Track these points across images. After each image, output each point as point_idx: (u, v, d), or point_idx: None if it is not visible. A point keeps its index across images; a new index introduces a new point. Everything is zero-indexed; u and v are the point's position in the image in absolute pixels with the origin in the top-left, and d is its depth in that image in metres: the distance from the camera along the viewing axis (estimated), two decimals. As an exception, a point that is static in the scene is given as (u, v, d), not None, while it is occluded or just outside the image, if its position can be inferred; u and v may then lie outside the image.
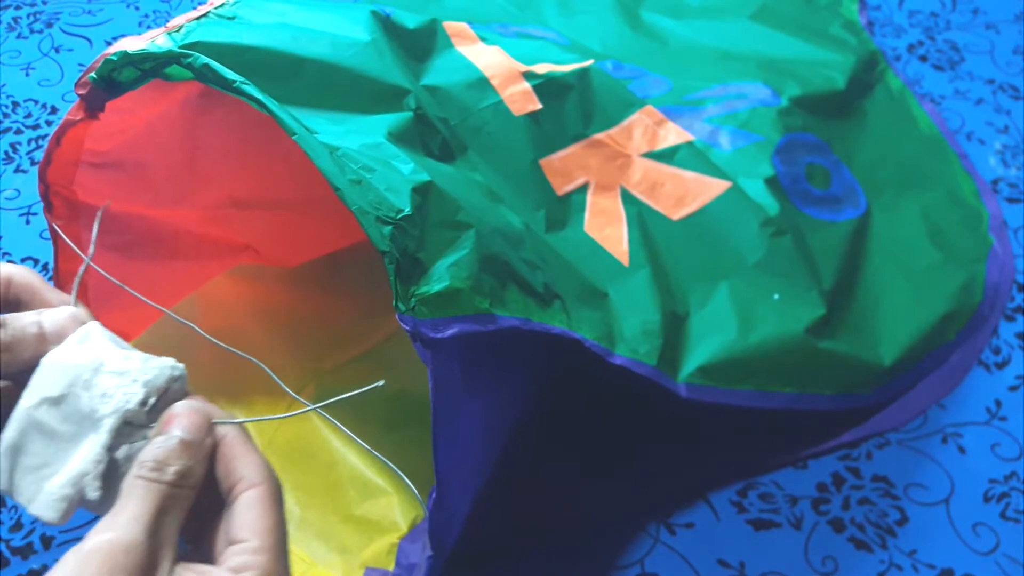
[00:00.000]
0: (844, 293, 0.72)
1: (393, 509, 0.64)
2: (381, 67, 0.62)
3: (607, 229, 0.68)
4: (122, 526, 0.39)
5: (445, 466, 0.51)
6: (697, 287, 0.67)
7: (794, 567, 0.67)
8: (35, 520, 0.66)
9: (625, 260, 0.66)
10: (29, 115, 0.95)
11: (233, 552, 0.41)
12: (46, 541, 0.66)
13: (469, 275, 0.52)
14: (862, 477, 0.72)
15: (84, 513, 0.64)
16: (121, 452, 0.44)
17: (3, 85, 0.99)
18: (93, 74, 0.56)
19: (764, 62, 0.85)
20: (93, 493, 0.43)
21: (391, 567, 0.60)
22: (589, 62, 0.75)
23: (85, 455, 0.43)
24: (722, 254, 0.69)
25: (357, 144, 0.54)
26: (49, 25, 1.07)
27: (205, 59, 0.52)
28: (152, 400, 0.44)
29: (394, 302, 0.49)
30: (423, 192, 0.52)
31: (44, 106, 0.96)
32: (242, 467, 0.43)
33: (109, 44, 1.03)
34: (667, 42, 0.89)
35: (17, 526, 0.66)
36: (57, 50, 1.05)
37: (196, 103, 0.59)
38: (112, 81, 0.56)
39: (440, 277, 0.51)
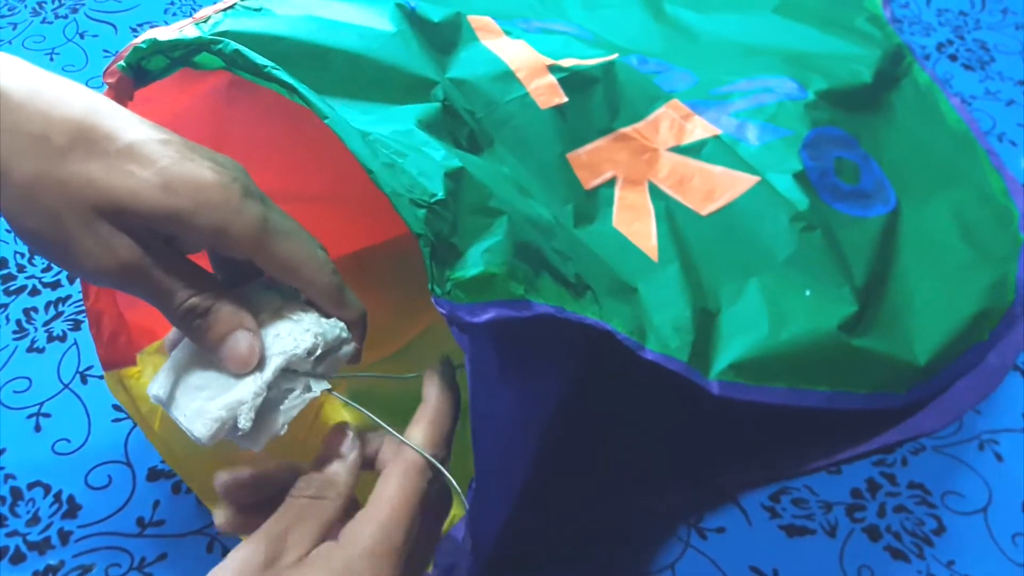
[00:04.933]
0: (876, 290, 0.70)
1: None
2: (408, 58, 0.62)
3: (635, 224, 0.67)
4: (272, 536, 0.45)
5: (484, 455, 0.50)
6: (727, 283, 0.66)
7: (828, 575, 0.65)
8: (53, 514, 0.64)
9: (654, 255, 0.65)
10: None
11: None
12: (64, 536, 0.65)
13: (504, 261, 0.50)
14: (898, 484, 0.70)
15: (105, 507, 0.63)
16: (277, 392, 0.47)
17: None
18: (122, 62, 0.55)
19: (788, 56, 0.83)
20: (245, 423, 0.45)
21: (429, 568, 0.57)
22: (614, 56, 0.74)
23: (246, 386, 0.46)
24: (752, 250, 0.68)
25: (388, 131, 0.53)
26: (74, 11, 1.07)
27: (236, 45, 0.51)
28: (319, 351, 0.47)
29: (430, 285, 0.48)
30: (455, 177, 0.51)
31: (67, 92, 0.93)
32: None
33: (134, 30, 1.03)
34: (691, 36, 0.88)
35: (34, 520, 0.66)
36: (82, 36, 1.03)
37: (222, 96, 0.59)
38: (141, 70, 0.55)
39: (475, 262, 0.49)
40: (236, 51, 0.51)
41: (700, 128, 0.72)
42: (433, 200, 0.48)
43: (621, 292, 0.61)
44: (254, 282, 0.49)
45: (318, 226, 0.52)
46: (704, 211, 0.68)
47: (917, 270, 0.73)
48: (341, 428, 0.49)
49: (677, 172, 0.69)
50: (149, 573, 0.63)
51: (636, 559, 0.66)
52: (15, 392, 0.72)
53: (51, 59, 0.99)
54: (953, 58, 1.08)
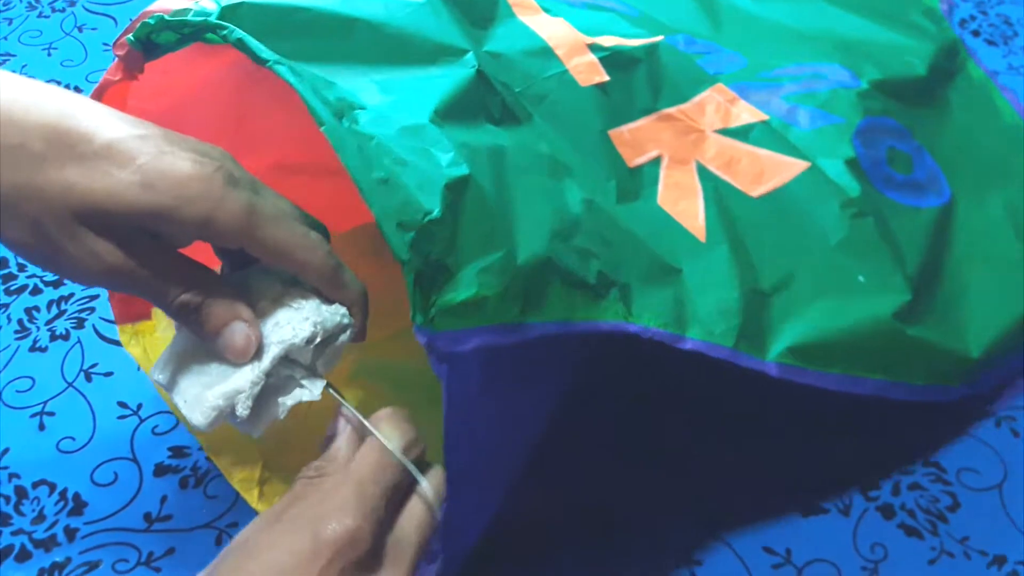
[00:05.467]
0: (929, 280, 0.69)
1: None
2: (438, 27, 0.60)
3: (682, 203, 0.65)
4: None
5: (458, 481, 0.49)
6: (780, 265, 0.64)
7: (842, 555, 0.65)
8: (58, 512, 0.63)
9: (701, 235, 0.63)
10: None
11: None
12: (70, 533, 0.64)
13: (500, 281, 0.49)
14: (913, 462, 0.68)
15: (111, 504, 0.64)
16: (276, 380, 0.47)
17: (24, 66, 0.97)
18: (131, 36, 0.55)
19: (841, 44, 0.82)
20: (243, 411, 0.46)
21: None
22: (658, 38, 0.72)
23: (245, 374, 0.46)
24: (804, 233, 0.66)
25: (397, 127, 0.51)
26: (72, 3, 1.06)
27: (240, 34, 0.51)
28: (317, 340, 0.47)
29: (412, 313, 0.46)
30: (458, 188, 0.49)
31: (68, 87, 0.93)
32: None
33: (134, 22, 1.01)
34: (742, 19, 0.86)
35: (39, 518, 0.64)
36: (80, 29, 1.03)
37: (246, 67, 0.57)
38: (150, 43, 0.55)
39: (468, 284, 0.48)
40: (240, 40, 0.51)
41: (747, 113, 0.71)
42: (426, 219, 0.47)
43: (662, 275, 0.59)
44: (254, 267, 0.49)
45: (339, 198, 0.51)
46: (754, 193, 0.67)
47: (971, 264, 0.73)
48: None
49: (725, 154, 0.68)
50: (157, 568, 0.62)
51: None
52: (18, 392, 0.71)
53: (49, 54, 0.98)
54: (976, 33, 1.08)
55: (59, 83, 0.94)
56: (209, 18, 0.52)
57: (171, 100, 0.60)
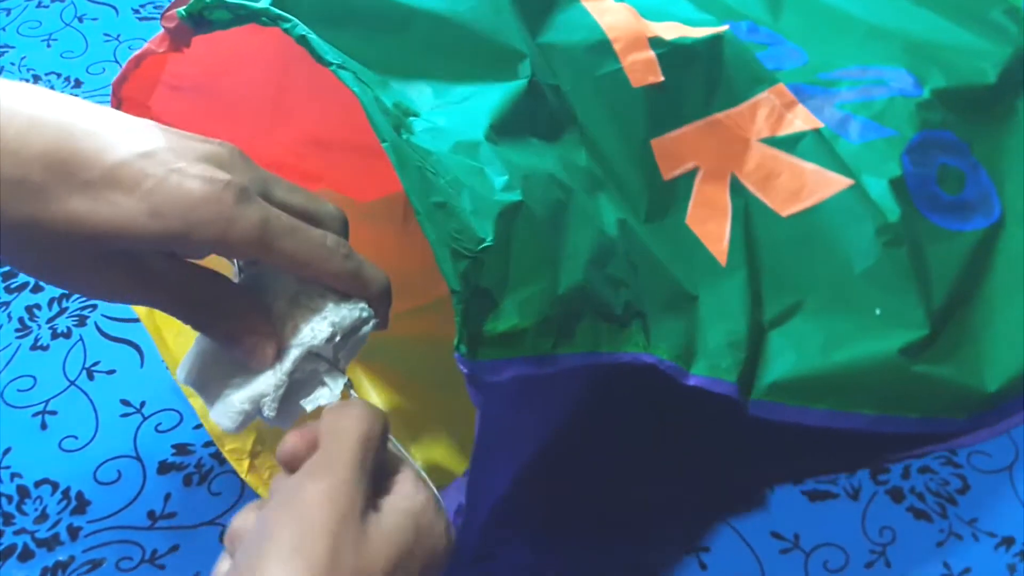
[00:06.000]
0: (955, 311, 0.67)
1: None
2: (497, 24, 0.59)
3: (710, 223, 0.65)
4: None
5: (477, 496, 0.50)
6: (786, 296, 0.64)
7: (850, 538, 0.65)
8: (61, 511, 0.64)
9: (723, 259, 0.63)
10: (52, 89, 0.91)
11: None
12: (73, 532, 0.64)
13: (539, 311, 0.49)
14: (924, 445, 0.68)
15: (114, 502, 0.65)
16: (301, 375, 0.47)
17: (24, 58, 0.96)
18: (182, 10, 0.54)
19: (911, 44, 0.79)
20: (269, 412, 0.47)
21: None
22: (724, 28, 0.70)
23: (268, 379, 0.47)
24: (826, 260, 0.65)
25: (452, 143, 0.51)
26: (72, -8, 1.04)
27: (303, 30, 0.50)
28: (337, 339, 0.47)
29: (456, 342, 0.46)
30: (510, 216, 0.49)
31: (68, 79, 0.94)
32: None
33: (137, 12, 1.01)
34: (811, 8, 0.84)
35: (42, 517, 0.65)
36: (80, 20, 1.02)
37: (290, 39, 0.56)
38: (202, 19, 0.54)
39: (508, 315, 0.48)
40: (303, 37, 0.50)
41: (801, 119, 0.70)
42: (480, 248, 0.47)
43: (679, 302, 0.59)
44: (268, 266, 0.49)
45: (372, 174, 0.51)
46: (785, 212, 0.66)
47: (1009, 291, 0.71)
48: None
49: (766, 166, 0.67)
50: (161, 565, 0.62)
51: (660, 529, 0.65)
52: (19, 391, 0.71)
53: (48, 45, 0.98)
54: None
55: (59, 75, 0.94)
56: (272, 10, 0.51)
57: (210, 65, 0.60)
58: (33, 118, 0.42)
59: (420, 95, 0.54)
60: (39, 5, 1.03)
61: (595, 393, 0.57)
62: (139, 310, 0.69)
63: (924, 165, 0.70)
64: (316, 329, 0.47)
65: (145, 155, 0.43)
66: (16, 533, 0.64)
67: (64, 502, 0.65)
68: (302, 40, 0.50)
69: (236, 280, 0.49)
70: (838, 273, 0.65)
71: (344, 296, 0.48)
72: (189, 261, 0.46)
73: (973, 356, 0.67)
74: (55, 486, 0.66)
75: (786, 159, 0.68)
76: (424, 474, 0.47)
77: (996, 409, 0.66)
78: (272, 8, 0.51)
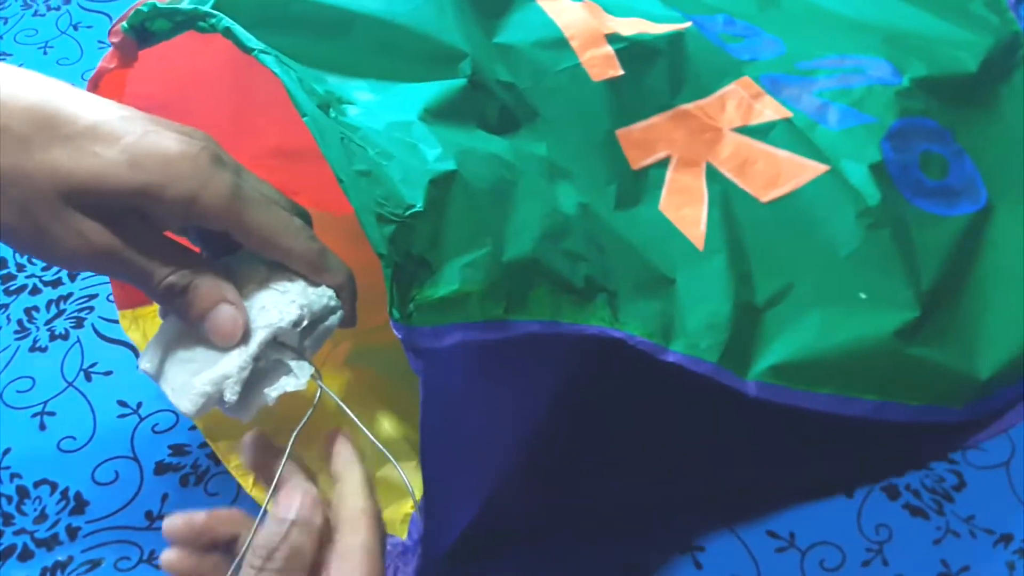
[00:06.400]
0: (945, 295, 0.67)
1: (413, 476, 0.61)
2: (439, 25, 0.60)
3: (685, 209, 0.64)
4: None
5: (435, 478, 0.49)
6: (778, 277, 0.64)
7: (846, 536, 0.65)
8: (60, 511, 0.64)
9: (700, 244, 0.63)
10: None
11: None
12: (71, 532, 0.65)
13: (485, 278, 0.49)
14: (919, 442, 0.68)
15: (113, 502, 0.65)
16: (265, 364, 0.46)
17: (20, 65, 0.95)
18: (124, 23, 0.55)
19: (890, 35, 0.80)
20: (231, 396, 0.46)
21: (404, 535, 0.56)
22: (686, 24, 0.71)
23: (232, 360, 0.46)
24: (811, 243, 0.65)
25: (386, 122, 0.52)
26: (67, 1, 1.06)
27: (227, 22, 0.51)
28: (305, 323, 0.47)
29: (388, 308, 0.46)
30: (443, 184, 0.49)
31: (63, 85, 0.93)
32: (345, 511, 0.46)
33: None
34: (790, 1, 0.84)
35: (41, 517, 0.65)
36: (76, 27, 1.03)
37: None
38: (144, 31, 0.56)
39: (450, 280, 0.48)
40: (228, 29, 0.51)
41: (770, 109, 0.70)
42: (408, 212, 0.47)
43: (654, 285, 0.59)
44: (239, 252, 0.49)
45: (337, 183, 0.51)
46: (765, 197, 0.66)
47: (998, 278, 0.70)
48: (303, 489, 0.46)
49: (740, 154, 0.67)
50: (159, 565, 0.62)
51: (653, 529, 0.65)
52: (18, 392, 0.72)
53: (44, 53, 0.99)
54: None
55: (55, 81, 0.95)
56: (201, 6, 0.52)
57: (170, 85, 0.60)
58: (20, 84, 0.44)
59: (357, 90, 0.54)
60: (35, 13, 1.04)
61: (581, 389, 0.57)
62: (124, 320, 0.69)
63: (905, 151, 0.70)
64: (284, 311, 0.47)
65: (124, 118, 0.45)
66: (16, 533, 0.64)
67: (63, 502, 0.65)
68: (227, 32, 0.51)
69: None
70: (824, 257, 0.65)
71: (313, 284, 0.48)
72: (161, 230, 0.47)
73: (965, 343, 0.67)
74: (54, 486, 0.66)
75: (760, 147, 0.68)
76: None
77: (990, 398, 0.66)
78: (199, 8, 0.52)
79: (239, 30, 0.51)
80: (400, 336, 0.46)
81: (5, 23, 1.02)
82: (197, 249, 0.50)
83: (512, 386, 0.53)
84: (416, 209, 0.47)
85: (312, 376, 0.48)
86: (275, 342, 0.47)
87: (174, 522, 0.47)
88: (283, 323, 0.46)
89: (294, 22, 0.55)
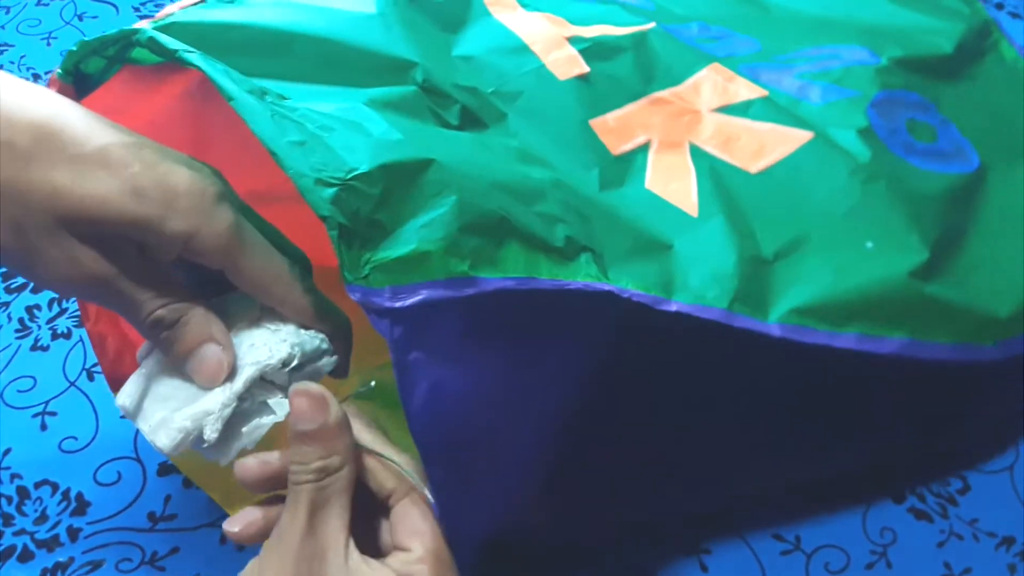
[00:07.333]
0: (951, 241, 0.66)
1: None
2: (386, 40, 0.60)
3: (673, 184, 0.63)
4: (285, 529, 0.44)
5: (429, 447, 0.47)
6: (785, 231, 0.62)
7: (851, 540, 0.66)
8: (61, 512, 0.64)
9: (694, 211, 0.62)
10: None
11: (399, 559, 0.46)
12: (72, 533, 0.65)
13: (444, 236, 0.47)
14: (925, 445, 0.69)
15: (114, 504, 0.65)
16: (250, 404, 0.46)
17: (23, 56, 0.96)
18: (59, 69, 0.54)
19: (864, 29, 0.80)
20: (211, 433, 0.44)
21: None
22: (649, 25, 0.71)
23: (216, 396, 0.45)
24: (808, 204, 0.64)
25: (330, 107, 0.51)
26: (72, -10, 1.04)
27: (150, 33, 0.50)
28: (295, 363, 0.46)
29: (341, 271, 0.44)
30: (391, 149, 0.48)
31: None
32: (391, 479, 0.48)
33: (137, 10, 1.01)
34: (762, 7, 0.84)
35: (42, 518, 0.65)
36: (80, 17, 1.03)
37: (197, 94, 0.57)
38: (80, 74, 0.54)
39: (407, 240, 0.46)
40: (151, 39, 0.50)
41: (745, 89, 0.70)
42: (351, 176, 0.46)
43: (649, 250, 0.58)
44: (233, 293, 0.48)
45: (321, 226, 0.50)
46: (753, 168, 0.65)
47: (1002, 230, 0.70)
48: (315, 395, 0.45)
49: (723, 132, 0.67)
50: (162, 567, 0.63)
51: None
52: (19, 391, 0.72)
53: (48, 44, 0.98)
54: (999, 7, 1.07)
55: (59, 74, 0.94)
56: (125, 28, 0.52)
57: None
58: (30, 99, 0.44)
59: (297, 92, 0.53)
60: (39, 3, 1.03)
61: (573, 369, 0.56)
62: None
63: (891, 119, 0.70)
64: (274, 349, 0.46)
65: (135, 145, 0.44)
66: (16, 534, 0.64)
67: (64, 503, 0.66)
68: (150, 42, 0.50)
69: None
70: (823, 217, 0.64)
71: (306, 327, 0.48)
72: (156, 262, 0.46)
73: (979, 285, 0.65)
74: (55, 487, 0.66)
75: (741, 122, 0.67)
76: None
77: (1018, 336, 0.65)
78: (125, 29, 0.51)
79: (160, 36, 0.50)
80: (356, 297, 0.44)
81: (7, 12, 1.02)
82: None
83: (516, 368, 0.51)
84: (360, 171, 0.46)
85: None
86: (262, 381, 0.46)
87: (249, 466, 0.47)
88: (272, 361, 0.46)
89: (233, 47, 0.53)
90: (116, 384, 0.64)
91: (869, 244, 0.63)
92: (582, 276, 0.52)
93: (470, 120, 0.60)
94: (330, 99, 0.54)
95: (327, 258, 0.46)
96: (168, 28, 0.53)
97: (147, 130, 0.53)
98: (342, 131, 0.49)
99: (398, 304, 0.45)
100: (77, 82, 0.54)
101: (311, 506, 0.44)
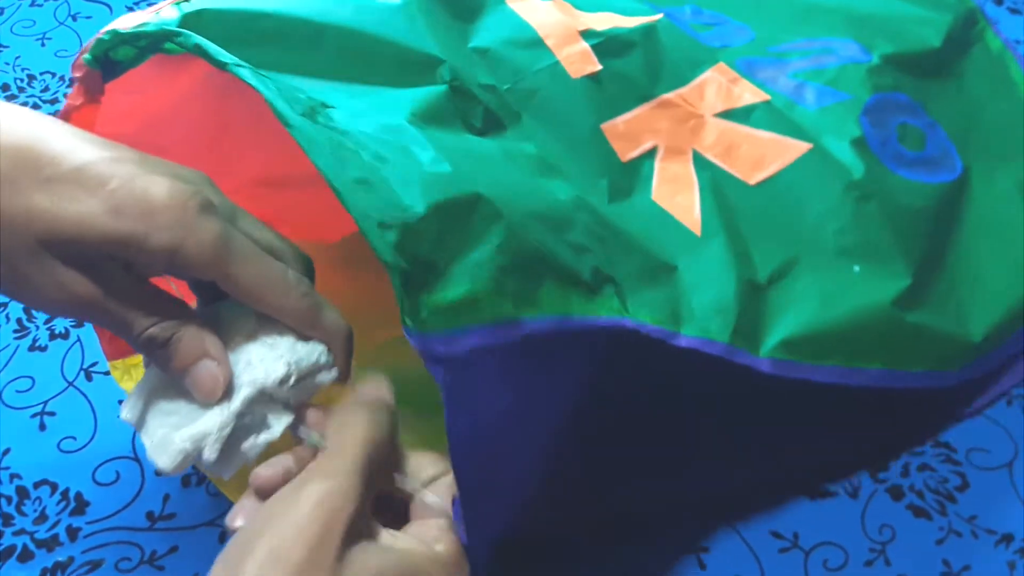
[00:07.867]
0: (933, 261, 0.68)
1: None
2: (411, 34, 0.60)
3: (678, 196, 0.64)
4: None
5: (470, 488, 0.48)
6: (778, 253, 0.63)
7: (850, 537, 0.66)
8: (60, 512, 0.64)
9: (697, 229, 0.63)
10: (47, 88, 0.93)
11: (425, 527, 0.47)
12: (72, 532, 0.65)
13: (492, 275, 0.48)
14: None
15: (113, 503, 0.66)
16: (250, 419, 0.46)
17: (18, 57, 0.96)
18: (87, 55, 0.53)
19: (852, 17, 0.81)
20: (210, 454, 0.45)
21: None
22: (658, 16, 0.71)
23: (213, 417, 0.45)
24: (802, 221, 0.65)
25: (375, 124, 0.51)
26: (65, -10, 1.04)
27: (197, 39, 0.50)
28: (292, 380, 0.46)
29: (401, 316, 0.45)
30: (441, 185, 0.49)
31: (62, 78, 0.94)
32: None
33: (131, 9, 1.01)
34: None
35: (42, 518, 0.66)
36: (74, 18, 1.02)
37: (221, 78, 0.55)
38: (109, 61, 0.54)
39: (459, 280, 0.46)
40: (197, 45, 0.50)
41: (748, 92, 0.70)
42: (409, 217, 0.46)
43: (656, 273, 0.59)
44: (228, 300, 0.48)
45: (329, 208, 0.50)
46: (752, 180, 0.66)
47: (979, 243, 0.71)
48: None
49: (725, 139, 0.67)
50: (161, 566, 0.63)
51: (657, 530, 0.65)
52: (18, 392, 0.72)
53: (43, 44, 0.98)
54: (999, 1, 1.07)
55: (54, 74, 0.95)
56: (167, 26, 0.51)
57: (143, 120, 0.59)
58: (8, 118, 0.43)
59: (337, 94, 0.53)
60: (33, 4, 1.03)
61: (599, 390, 0.57)
62: (115, 372, 0.68)
63: (883, 126, 0.71)
64: (270, 368, 0.46)
65: (113, 160, 0.43)
66: (15, 534, 0.64)
67: (63, 503, 0.66)
68: (196, 49, 0.50)
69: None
70: (815, 233, 0.65)
71: (305, 337, 0.47)
72: (145, 278, 0.46)
73: (956, 306, 0.67)
74: (54, 487, 0.67)
75: (743, 130, 0.68)
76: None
77: (983, 359, 0.66)
78: (166, 27, 0.51)
79: (210, 45, 0.50)
80: (415, 344, 0.45)
81: (1, 13, 1.02)
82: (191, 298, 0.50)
83: (534, 391, 0.52)
84: (419, 213, 0.46)
85: (288, 427, 0.47)
86: (261, 396, 0.46)
87: (266, 474, 0.46)
88: (268, 381, 0.45)
89: (263, 37, 0.53)
90: (114, 355, 0.66)
91: (856, 268, 0.64)
92: (606, 311, 0.53)
93: (492, 122, 0.60)
94: (369, 103, 0.54)
95: (338, 234, 0.46)
96: (198, 15, 0.53)
97: (171, 112, 0.53)
98: (395, 160, 0.48)
99: (453, 350, 0.45)
100: (104, 67, 0.54)
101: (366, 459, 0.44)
